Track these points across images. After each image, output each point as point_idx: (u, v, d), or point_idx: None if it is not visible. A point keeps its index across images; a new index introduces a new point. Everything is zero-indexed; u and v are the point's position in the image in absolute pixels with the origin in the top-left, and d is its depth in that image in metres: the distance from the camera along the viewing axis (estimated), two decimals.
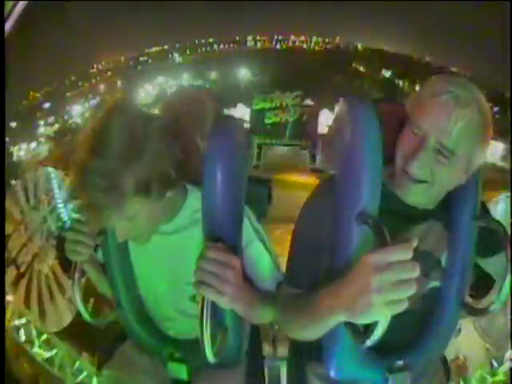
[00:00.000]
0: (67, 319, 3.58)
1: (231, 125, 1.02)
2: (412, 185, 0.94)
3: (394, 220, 0.89)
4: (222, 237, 0.93)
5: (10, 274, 3.72)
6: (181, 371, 1.22)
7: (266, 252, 1.12)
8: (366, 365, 0.99)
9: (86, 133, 0.89)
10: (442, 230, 1.04)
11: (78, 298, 1.14)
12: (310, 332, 0.92)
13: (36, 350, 3.87)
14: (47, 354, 3.92)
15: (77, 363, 3.83)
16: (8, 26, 1.40)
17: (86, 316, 1.17)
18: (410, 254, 0.67)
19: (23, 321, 3.90)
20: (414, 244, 0.68)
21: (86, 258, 1.11)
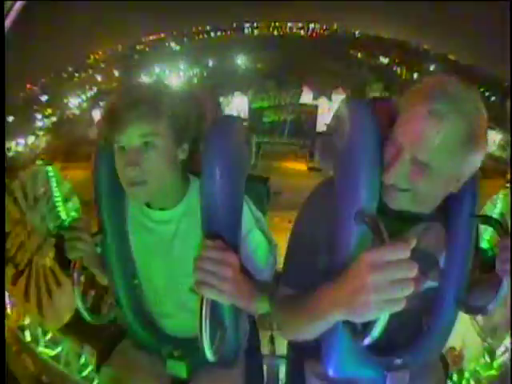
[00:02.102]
0: (66, 317, 3.59)
1: (230, 123, 1.02)
2: (396, 193, 0.91)
3: (393, 221, 0.88)
4: (221, 233, 0.93)
5: (9, 272, 3.72)
6: (180, 369, 1.23)
7: (264, 240, 1.13)
8: (365, 363, 1.00)
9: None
10: (441, 229, 1.04)
11: (77, 295, 1.14)
12: (307, 331, 0.92)
13: (41, 349, 3.86)
14: (53, 352, 3.92)
15: (82, 359, 3.83)
16: (7, 22, 1.37)
17: (85, 314, 1.17)
18: (407, 253, 0.67)
19: (28, 321, 3.90)
20: (413, 243, 0.68)
21: (86, 255, 1.11)
